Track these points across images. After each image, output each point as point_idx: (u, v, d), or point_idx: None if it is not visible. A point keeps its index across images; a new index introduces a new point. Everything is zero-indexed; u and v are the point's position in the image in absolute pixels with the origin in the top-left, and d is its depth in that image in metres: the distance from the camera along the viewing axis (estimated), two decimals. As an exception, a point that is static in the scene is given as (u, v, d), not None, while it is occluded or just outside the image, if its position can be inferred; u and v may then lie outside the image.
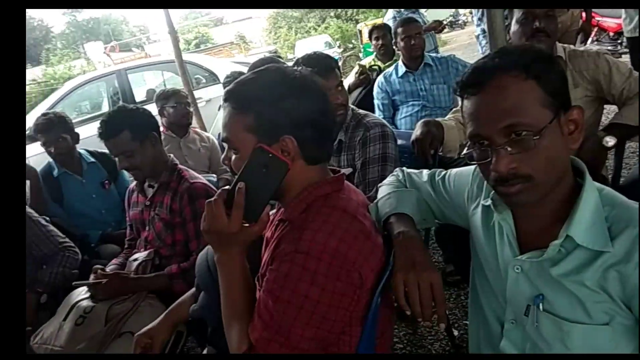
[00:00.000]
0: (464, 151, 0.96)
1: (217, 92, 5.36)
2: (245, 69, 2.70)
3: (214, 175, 2.23)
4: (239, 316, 1.00)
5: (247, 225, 0.98)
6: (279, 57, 3.70)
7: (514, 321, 0.98)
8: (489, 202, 1.02)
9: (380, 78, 3.19)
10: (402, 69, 3.10)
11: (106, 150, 2.20)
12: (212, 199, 0.98)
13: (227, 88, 1.04)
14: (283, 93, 0.98)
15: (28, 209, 2.00)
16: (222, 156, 1.10)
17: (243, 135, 0.99)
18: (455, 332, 2.02)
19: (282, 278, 0.93)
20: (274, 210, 1.13)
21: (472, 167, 1.11)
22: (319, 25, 30.07)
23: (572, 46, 1.90)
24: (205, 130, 3.77)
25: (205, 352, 1.36)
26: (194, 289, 1.37)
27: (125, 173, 2.65)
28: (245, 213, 0.96)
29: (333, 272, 0.92)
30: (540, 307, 0.92)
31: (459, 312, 2.17)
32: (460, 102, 0.97)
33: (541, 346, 0.93)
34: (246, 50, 23.13)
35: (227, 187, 1.00)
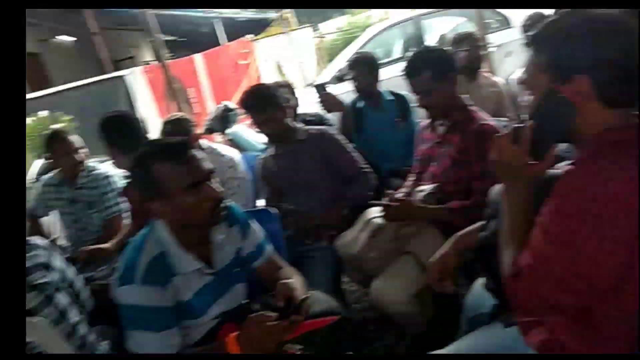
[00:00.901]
0: None
1: (508, 37, 5.11)
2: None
3: (504, 119, 2.19)
4: (513, 241, 1.06)
5: (533, 162, 1.02)
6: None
7: None
8: None
9: None
10: None
11: (400, 92, 2.40)
12: (502, 133, 1.06)
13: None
14: (583, 34, 0.96)
15: (338, 136, 2.37)
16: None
17: (537, 76, 1.04)
18: None
19: (554, 212, 0.95)
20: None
21: None
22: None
23: None
24: (494, 75, 3.68)
25: (482, 282, 1.43)
26: (480, 222, 1.43)
27: (415, 113, 2.85)
28: (531, 150, 1.01)
29: (607, 215, 0.88)
30: None
31: None
32: None
33: None
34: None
35: (519, 124, 1.05)
